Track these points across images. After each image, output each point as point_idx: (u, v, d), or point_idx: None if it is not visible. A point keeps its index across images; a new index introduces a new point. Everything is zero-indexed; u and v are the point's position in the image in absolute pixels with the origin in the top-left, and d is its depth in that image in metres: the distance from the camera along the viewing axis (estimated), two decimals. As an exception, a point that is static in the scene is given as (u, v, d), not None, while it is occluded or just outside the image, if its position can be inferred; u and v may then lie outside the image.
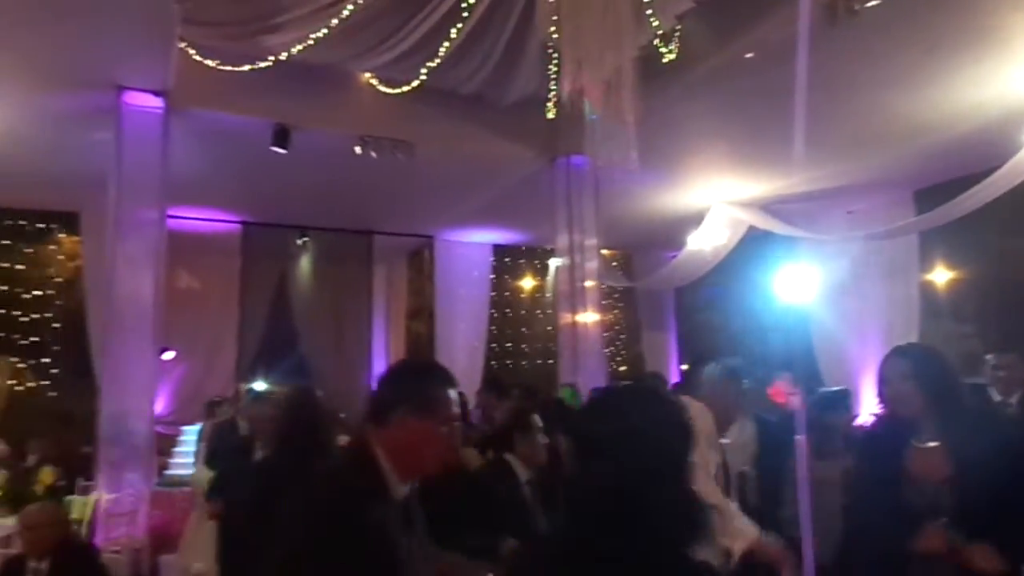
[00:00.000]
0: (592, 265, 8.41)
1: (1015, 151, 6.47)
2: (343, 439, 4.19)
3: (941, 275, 9.12)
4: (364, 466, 1.78)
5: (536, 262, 12.72)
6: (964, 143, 7.20)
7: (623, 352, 13.04)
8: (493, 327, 11.95)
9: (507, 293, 12.52)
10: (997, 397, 4.79)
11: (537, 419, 3.47)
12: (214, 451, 6.32)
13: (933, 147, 7.48)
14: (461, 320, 11.30)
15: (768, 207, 9.42)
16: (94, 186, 6.96)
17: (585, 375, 7.88)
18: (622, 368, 12.75)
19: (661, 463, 1.30)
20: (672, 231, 10.51)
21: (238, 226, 10.56)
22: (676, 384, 8.85)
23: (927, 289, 9.17)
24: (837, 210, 9.69)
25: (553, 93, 7.28)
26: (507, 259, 12.50)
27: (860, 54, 5.75)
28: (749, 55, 5.93)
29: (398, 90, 7.22)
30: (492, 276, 11.98)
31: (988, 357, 5.08)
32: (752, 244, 9.62)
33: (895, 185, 8.91)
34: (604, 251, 10.11)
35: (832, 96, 6.12)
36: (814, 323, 9.54)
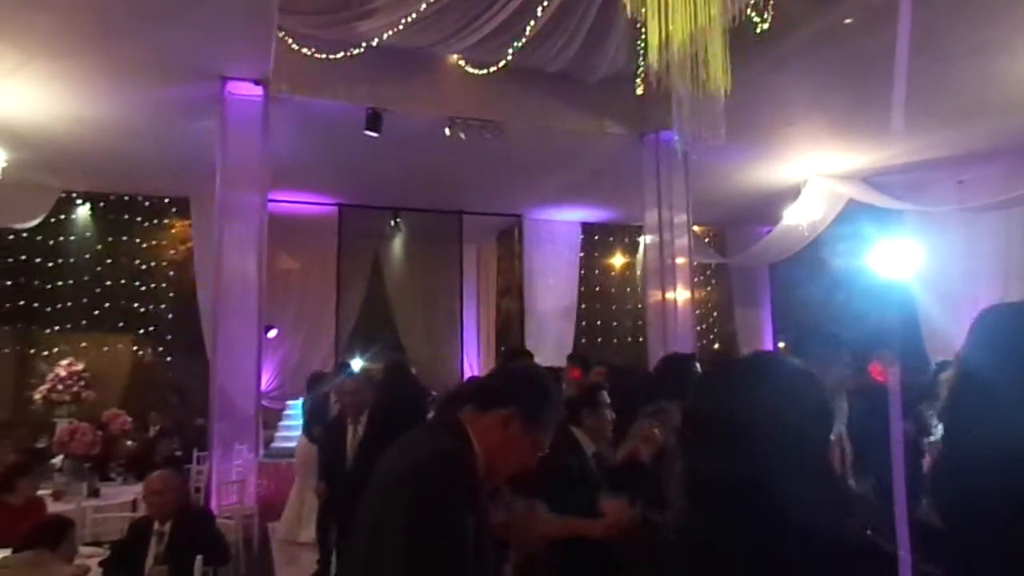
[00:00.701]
0: (683, 241, 8.27)
1: None
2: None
3: (1065, 247, 8.50)
4: (464, 445, 1.74)
5: (626, 239, 12.61)
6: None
7: (715, 330, 12.80)
8: (582, 305, 11.96)
9: (596, 271, 12.49)
10: None
11: (605, 396, 3.51)
12: (308, 425, 6.70)
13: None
14: (550, 298, 11.37)
15: (869, 179, 8.99)
16: (201, 172, 7.36)
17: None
18: (715, 346, 12.52)
19: (795, 444, 1.08)
20: (766, 206, 10.19)
21: (334, 208, 10.95)
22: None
23: (1048, 262, 8.56)
24: (946, 181, 9.14)
25: (641, 68, 7.16)
26: (596, 237, 12.45)
27: (968, 16, 5.38)
28: (848, 21, 5.65)
29: (485, 71, 7.28)
30: (581, 254, 11.97)
31: None
32: (852, 217, 9.22)
33: (1010, 152, 8.32)
34: (696, 227, 9.91)
35: (939, 61, 5.77)
36: (920, 299, 9.09)
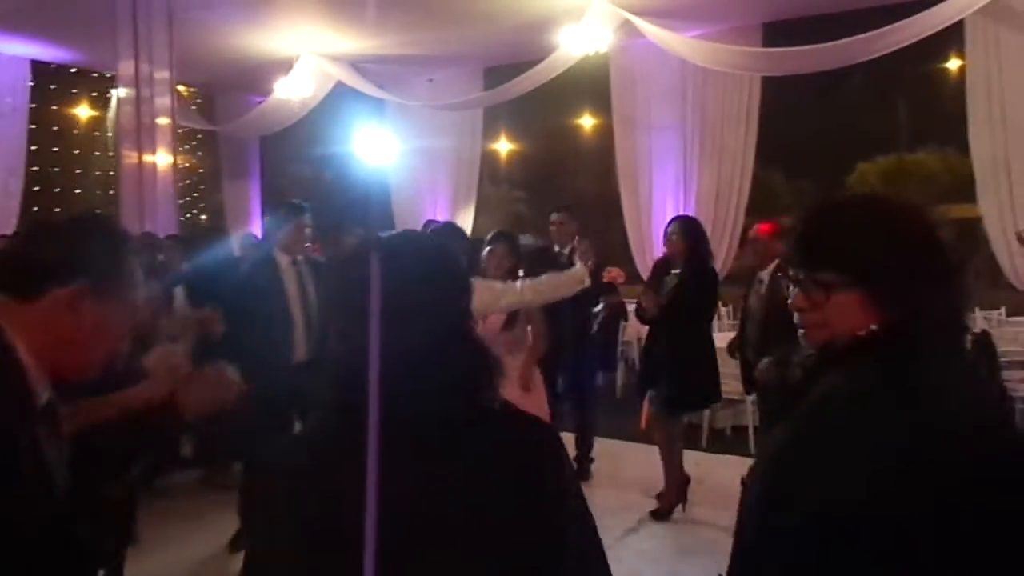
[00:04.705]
0: (164, 101, 7.52)
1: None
2: None
3: (503, 146, 10.37)
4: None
5: (93, 91, 10.90)
6: (524, 32, 8.05)
7: (203, 202, 12.24)
8: (35, 165, 10.06)
9: (55, 125, 10.58)
10: (556, 248, 5.19)
11: None
12: None
13: (498, 31, 8.23)
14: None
15: (357, 65, 9.44)
16: None
17: (154, 224, 7.21)
18: (203, 217, 12.01)
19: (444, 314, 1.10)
20: (258, 76, 9.90)
21: None
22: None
23: (489, 158, 10.36)
24: (420, 77, 10.17)
25: None
26: (53, 83, 10.47)
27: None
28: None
29: None
30: (32, 102, 9.91)
31: (553, 216, 5.40)
32: (344, 99, 9.63)
33: (468, 60, 9.65)
34: (181, 88, 9.10)
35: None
36: (394, 180, 10.15)
